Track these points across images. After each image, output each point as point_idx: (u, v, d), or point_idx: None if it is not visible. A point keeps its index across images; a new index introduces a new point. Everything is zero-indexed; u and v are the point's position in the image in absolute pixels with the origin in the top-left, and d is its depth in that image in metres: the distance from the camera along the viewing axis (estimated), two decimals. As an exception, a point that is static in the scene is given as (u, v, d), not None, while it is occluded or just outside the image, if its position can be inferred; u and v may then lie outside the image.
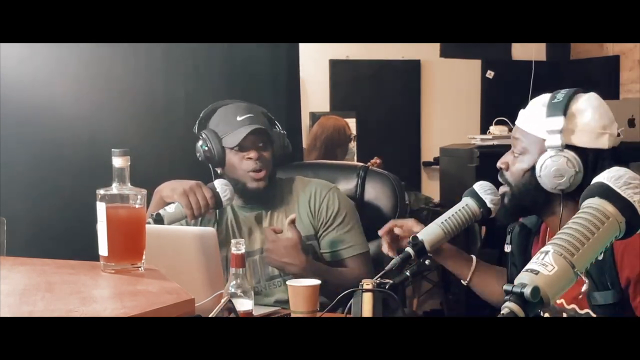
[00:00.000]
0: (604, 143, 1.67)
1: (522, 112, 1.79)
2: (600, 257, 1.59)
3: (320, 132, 4.38)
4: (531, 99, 1.81)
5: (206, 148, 2.30)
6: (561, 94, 1.72)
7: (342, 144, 4.34)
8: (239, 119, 2.28)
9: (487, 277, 1.97)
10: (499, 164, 1.81)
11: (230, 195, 2.24)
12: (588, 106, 1.69)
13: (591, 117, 1.68)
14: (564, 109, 1.67)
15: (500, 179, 1.81)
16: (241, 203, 2.37)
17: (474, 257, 1.96)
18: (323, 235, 2.34)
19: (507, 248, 1.87)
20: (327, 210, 2.33)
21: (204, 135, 2.31)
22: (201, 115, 2.38)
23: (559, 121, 1.67)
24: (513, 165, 1.77)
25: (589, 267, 1.16)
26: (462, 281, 1.97)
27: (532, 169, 1.71)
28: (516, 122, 1.80)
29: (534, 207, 1.78)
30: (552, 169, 1.67)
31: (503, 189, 1.80)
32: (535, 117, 1.72)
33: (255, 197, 2.34)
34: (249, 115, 2.30)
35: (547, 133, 1.68)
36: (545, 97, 1.76)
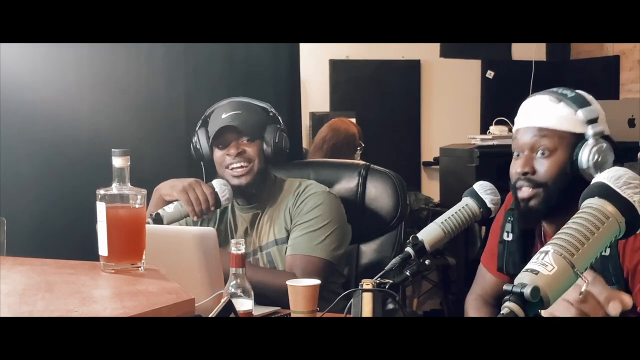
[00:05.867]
0: (610, 132, 1.77)
1: (536, 114, 1.77)
2: (607, 253, 1.60)
3: (330, 136, 4.13)
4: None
5: (198, 146, 2.33)
6: (565, 90, 1.78)
7: (349, 154, 4.06)
8: (223, 116, 2.28)
9: None
10: (522, 169, 1.77)
11: (229, 194, 2.24)
12: (592, 99, 1.77)
13: (600, 109, 1.76)
14: (586, 100, 1.75)
15: (525, 185, 1.77)
16: (239, 202, 2.37)
17: None
18: (292, 229, 2.28)
19: (509, 236, 1.87)
20: (305, 206, 2.27)
21: (196, 135, 2.34)
22: (205, 113, 2.38)
23: (593, 110, 1.74)
24: (543, 166, 1.76)
25: (589, 266, 1.16)
26: None
27: (569, 163, 1.74)
28: (532, 124, 1.78)
29: (568, 203, 1.70)
30: (600, 156, 1.71)
31: (531, 191, 1.77)
32: (562, 113, 1.75)
33: (249, 196, 2.33)
34: (234, 112, 2.29)
35: (585, 124, 1.73)
36: (548, 97, 1.77)
